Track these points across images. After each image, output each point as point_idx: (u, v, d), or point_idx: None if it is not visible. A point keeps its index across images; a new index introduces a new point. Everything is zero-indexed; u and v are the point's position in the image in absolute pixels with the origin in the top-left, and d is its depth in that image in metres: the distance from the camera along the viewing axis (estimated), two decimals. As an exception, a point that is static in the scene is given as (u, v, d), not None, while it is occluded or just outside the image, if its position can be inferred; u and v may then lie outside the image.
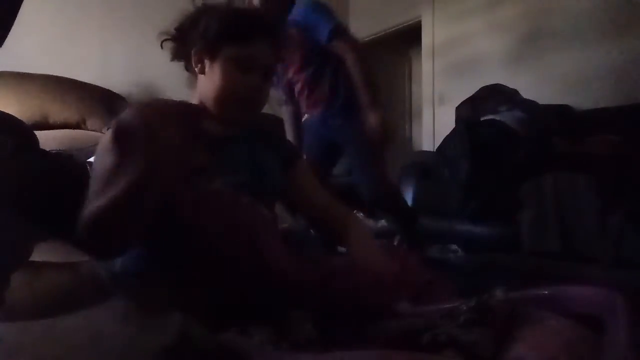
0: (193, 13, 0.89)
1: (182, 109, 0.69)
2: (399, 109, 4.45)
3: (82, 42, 2.84)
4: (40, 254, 0.65)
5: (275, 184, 0.93)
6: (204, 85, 0.89)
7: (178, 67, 0.98)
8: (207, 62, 0.88)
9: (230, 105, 0.87)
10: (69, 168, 1.11)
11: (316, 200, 0.99)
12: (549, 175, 1.71)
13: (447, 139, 2.19)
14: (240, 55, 0.85)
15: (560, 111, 2.27)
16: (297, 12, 1.70)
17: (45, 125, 2.30)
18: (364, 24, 4.01)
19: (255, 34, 0.86)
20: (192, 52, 0.88)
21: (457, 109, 2.45)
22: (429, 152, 2.93)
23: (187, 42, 0.89)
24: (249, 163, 0.90)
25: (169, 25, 0.91)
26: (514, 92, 2.26)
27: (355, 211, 0.98)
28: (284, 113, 2.08)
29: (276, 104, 2.06)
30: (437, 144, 2.36)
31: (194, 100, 0.91)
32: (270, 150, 0.96)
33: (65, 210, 0.62)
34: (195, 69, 0.89)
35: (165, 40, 0.91)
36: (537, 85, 2.55)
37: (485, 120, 2.10)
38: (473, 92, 2.40)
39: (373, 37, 3.98)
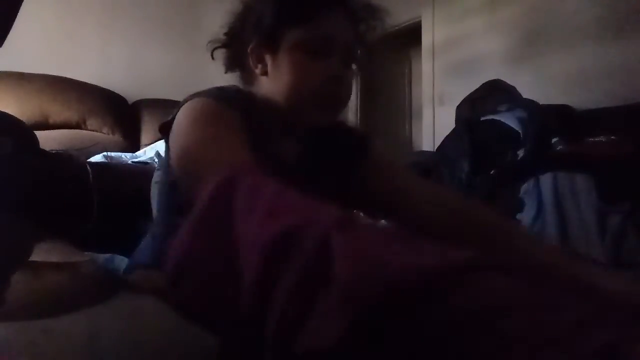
0: (242, 10, 0.72)
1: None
2: (399, 109, 4.44)
3: (82, 42, 2.84)
4: (40, 254, 0.65)
5: (344, 183, 0.77)
6: (270, 89, 0.68)
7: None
8: (268, 59, 0.68)
9: (306, 104, 0.66)
10: (69, 168, 1.11)
11: (415, 191, 0.73)
12: (548, 175, 1.71)
13: (447, 139, 2.19)
14: (308, 37, 0.65)
15: (560, 111, 2.26)
16: None
17: (45, 125, 2.31)
18: (364, 24, 4.01)
19: (323, 6, 0.66)
20: (249, 51, 0.69)
21: (457, 108, 2.45)
22: (429, 152, 2.93)
23: (241, 44, 0.71)
24: (314, 164, 0.74)
25: (217, 32, 0.74)
26: (513, 89, 2.27)
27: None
28: None
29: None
30: (437, 144, 2.36)
31: None
32: (337, 146, 0.78)
33: (65, 210, 0.62)
34: (256, 70, 0.69)
35: (216, 48, 0.74)
36: (537, 85, 2.55)
37: (485, 120, 2.10)
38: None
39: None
